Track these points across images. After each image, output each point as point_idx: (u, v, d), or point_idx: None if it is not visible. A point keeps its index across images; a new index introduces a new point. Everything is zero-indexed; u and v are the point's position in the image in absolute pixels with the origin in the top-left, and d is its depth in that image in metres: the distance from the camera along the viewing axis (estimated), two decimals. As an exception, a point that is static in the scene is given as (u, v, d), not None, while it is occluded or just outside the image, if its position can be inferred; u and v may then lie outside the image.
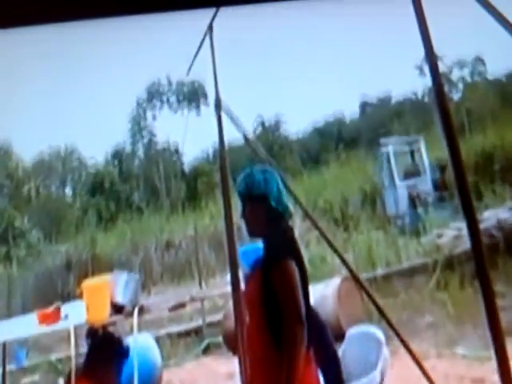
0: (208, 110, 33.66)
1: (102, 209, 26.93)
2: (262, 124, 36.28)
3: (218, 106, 2.85)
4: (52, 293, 15.75)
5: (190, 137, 33.95)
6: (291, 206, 2.34)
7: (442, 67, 32.01)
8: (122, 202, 27.63)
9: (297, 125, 50.09)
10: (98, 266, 17.10)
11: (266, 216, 2.26)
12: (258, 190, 2.26)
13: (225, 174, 2.55)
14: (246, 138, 3.19)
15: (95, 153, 34.79)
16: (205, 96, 33.02)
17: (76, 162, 34.69)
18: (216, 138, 2.64)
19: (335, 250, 3.35)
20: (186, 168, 32.59)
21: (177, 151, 32.58)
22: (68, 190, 33.53)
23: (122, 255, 17.53)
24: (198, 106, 33.47)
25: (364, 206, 15.86)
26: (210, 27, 3.06)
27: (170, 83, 33.81)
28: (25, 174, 28.09)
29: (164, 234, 18.25)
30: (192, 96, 33.56)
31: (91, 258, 17.41)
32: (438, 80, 2.03)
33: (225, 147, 2.87)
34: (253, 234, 2.33)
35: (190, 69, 5.80)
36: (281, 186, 2.31)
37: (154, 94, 33.56)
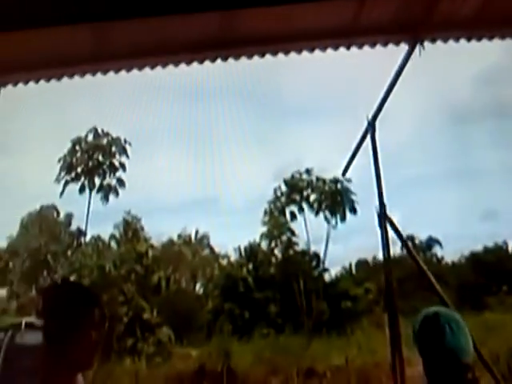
0: (352, 217, 30.84)
1: (235, 315, 25.40)
2: (412, 240, 31.87)
3: (383, 216, 2.52)
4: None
5: (331, 246, 31.21)
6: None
7: None
8: (257, 312, 25.68)
9: (452, 247, 44.32)
10: (234, 380, 16.68)
11: (453, 371, 1.88)
12: (447, 344, 1.84)
13: (392, 301, 2.23)
14: (414, 259, 2.87)
15: (228, 244, 32.52)
16: (350, 200, 30.93)
17: (207, 251, 33.76)
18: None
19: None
20: (328, 284, 29.22)
21: (317, 256, 29.84)
22: (198, 287, 32.52)
23: (259, 374, 16.96)
24: (341, 211, 31.07)
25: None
26: (372, 124, 2.58)
27: (310, 179, 31.52)
28: (154, 261, 26.82)
29: (306, 358, 17.34)
30: (335, 198, 30.91)
31: (226, 371, 17.05)
32: None
33: (391, 270, 2.60)
34: None
35: (346, 169, 5.21)
36: (467, 335, 1.89)
37: (293, 188, 31.18)
